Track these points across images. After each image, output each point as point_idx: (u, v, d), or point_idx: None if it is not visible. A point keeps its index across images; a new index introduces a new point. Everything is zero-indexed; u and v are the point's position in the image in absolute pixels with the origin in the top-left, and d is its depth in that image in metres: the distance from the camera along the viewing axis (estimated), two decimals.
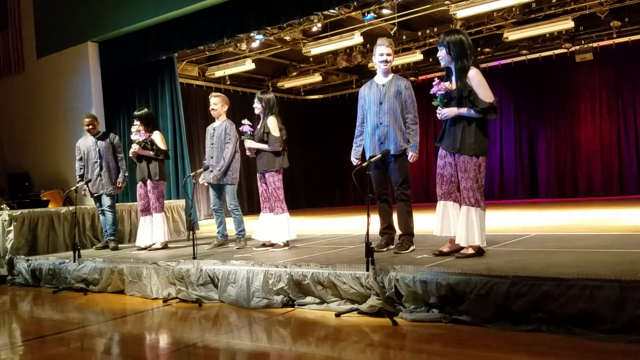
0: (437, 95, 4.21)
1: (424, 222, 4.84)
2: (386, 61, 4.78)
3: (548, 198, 12.85)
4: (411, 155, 4.76)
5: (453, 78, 4.23)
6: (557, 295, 3.14)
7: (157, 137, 6.61)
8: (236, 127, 6.18)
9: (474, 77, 4.09)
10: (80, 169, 7.08)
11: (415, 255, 4.49)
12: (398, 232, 4.91)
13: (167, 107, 9.77)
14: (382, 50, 4.78)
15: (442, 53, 4.22)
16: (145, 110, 6.74)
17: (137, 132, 6.49)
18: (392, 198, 4.92)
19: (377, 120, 4.77)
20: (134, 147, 6.50)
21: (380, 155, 4.46)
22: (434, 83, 4.26)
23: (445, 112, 4.18)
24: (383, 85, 4.82)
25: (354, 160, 4.96)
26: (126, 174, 7.18)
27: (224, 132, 6.22)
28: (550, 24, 10.66)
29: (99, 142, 7.01)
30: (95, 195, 7.03)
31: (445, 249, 4.37)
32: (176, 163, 9.77)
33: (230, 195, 6.24)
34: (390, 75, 4.88)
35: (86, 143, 7.08)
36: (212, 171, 6.21)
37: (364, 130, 4.93)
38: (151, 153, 6.51)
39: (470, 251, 4.17)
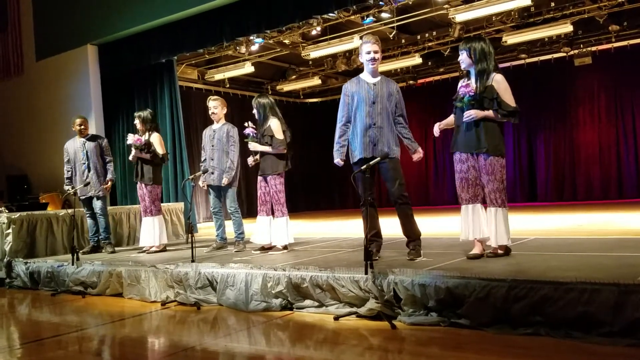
0: (464, 96, 4.20)
1: (424, 226, 4.82)
2: (374, 59, 4.57)
3: (546, 201, 12.86)
4: (420, 153, 4.67)
5: (472, 80, 4.27)
6: (555, 299, 3.15)
7: (155, 139, 6.55)
8: (238, 130, 6.20)
9: (501, 82, 4.20)
10: (68, 171, 7.02)
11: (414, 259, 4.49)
12: (401, 237, 4.81)
13: (166, 110, 9.77)
14: (368, 48, 4.57)
15: (463, 56, 4.30)
16: (147, 111, 6.74)
17: (133, 136, 6.47)
18: (375, 200, 4.74)
19: (370, 121, 4.56)
20: (133, 152, 6.49)
21: (379, 158, 4.33)
22: (461, 84, 4.25)
23: (472, 114, 4.16)
24: (374, 85, 4.61)
25: (339, 162, 4.73)
26: (114, 176, 7.06)
27: (227, 135, 6.22)
28: (549, 28, 10.68)
29: (87, 143, 6.97)
30: (83, 197, 6.95)
31: (478, 251, 4.34)
32: (175, 166, 9.77)
33: (231, 198, 6.24)
34: (379, 76, 4.69)
35: (74, 145, 7.02)
36: (213, 173, 6.20)
37: (353, 130, 4.69)
38: (147, 156, 6.48)
39: (500, 251, 4.27)
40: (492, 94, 4.15)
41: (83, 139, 7.01)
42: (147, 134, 6.55)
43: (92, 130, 8.37)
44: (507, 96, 4.18)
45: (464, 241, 4.37)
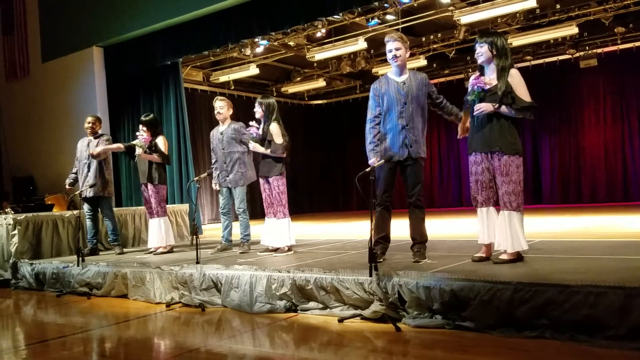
0: (475, 89, 4.08)
1: (428, 228, 4.80)
2: (396, 56, 4.46)
3: (552, 204, 12.83)
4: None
5: (490, 76, 4.15)
6: (560, 302, 3.13)
7: (160, 141, 6.59)
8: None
9: (515, 75, 4.07)
10: (75, 167, 7.10)
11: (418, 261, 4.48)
12: (408, 239, 4.77)
13: (171, 111, 9.80)
14: (390, 46, 4.48)
15: (482, 50, 4.12)
16: (151, 116, 6.74)
17: (141, 136, 6.50)
18: (393, 204, 4.70)
19: (404, 122, 4.44)
20: (138, 151, 6.48)
21: (383, 161, 4.33)
22: (473, 76, 4.16)
23: (482, 107, 4.02)
24: (403, 83, 4.49)
25: (374, 162, 4.40)
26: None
27: (235, 132, 6.19)
28: (554, 30, 10.67)
29: (91, 142, 7.00)
30: (83, 197, 6.92)
31: (483, 254, 4.28)
32: (180, 167, 9.80)
33: (240, 198, 6.21)
34: (407, 72, 4.56)
35: (82, 143, 7.10)
36: (227, 176, 6.19)
37: (384, 132, 4.56)
38: (156, 156, 6.50)
39: (513, 257, 4.09)
40: (508, 88, 4.02)
41: (90, 138, 7.05)
42: (154, 138, 6.56)
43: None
44: (522, 90, 4.05)
45: (479, 244, 4.30)
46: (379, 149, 4.58)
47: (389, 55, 4.54)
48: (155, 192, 6.55)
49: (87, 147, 6.99)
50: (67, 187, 7.10)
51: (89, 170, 6.92)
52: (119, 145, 7.07)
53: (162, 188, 6.63)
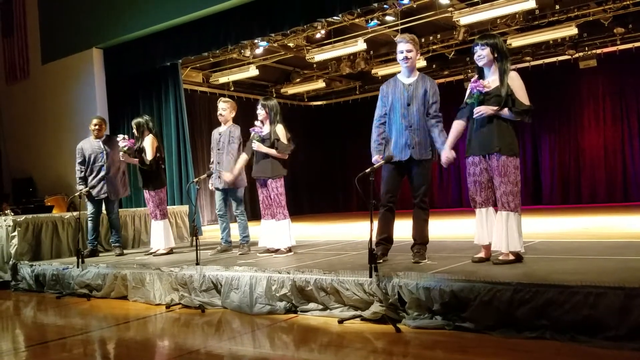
0: (473, 92, 4.10)
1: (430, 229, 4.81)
2: (407, 58, 4.48)
3: (551, 204, 12.84)
4: (445, 157, 4.32)
5: (490, 79, 4.17)
6: (561, 302, 3.14)
7: (147, 142, 6.46)
8: (242, 130, 6.17)
9: (515, 78, 4.09)
10: (82, 172, 6.95)
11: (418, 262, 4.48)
12: (410, 241, 4.76)
13: (171, 113, 9.80)
14: (401, 47, 4.49)
15: (484, 52, 4.12)
16: (144, 117, 6.66)
17: (123, 139, 6.43)
18: (396, 205, 4.70)
19: (406, 123, 4.46)
20: (121, 156, 6.48)
21: (383, 161, 4.35)
22: (472, 80, 4.17)
23: (482, 110, 4.04)
24: (409, 85, 4.52)
25: (377, 160, 4.51)
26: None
27: (229, 136, 6.21)
28: (553, 30, 10.69)
29: (105, 145, 6.97)
30: (97, 198, 6.91)
31: (483, 255, 4.28)
32: (180, 169, 9.80)
33: (237, 201, 6.20)
34: (416, 74, 4.58)
35: (91, 146, 6.96)
36: (219, 176, 6.19)
37: (388, 132, 4.59)
38: (135, 161, 6.46)
39: (511, 257, 4.09)
40: (507, 90, 4.05)
41: (100, 140, 6.99)
42: (140, 139, 6.52)
43: None
44: (521, 93, 4.07)
45: (477, 245, 4.31)
46: (381, 148, 4.61)
47: (400, 57, 4.55)
48: (151, 197, 6.54)
49: (102, 150, 6.91)
50: (84, 192, 6.73)
51: (109, 173, 6.89)
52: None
53: (160, 192, 6.57)
